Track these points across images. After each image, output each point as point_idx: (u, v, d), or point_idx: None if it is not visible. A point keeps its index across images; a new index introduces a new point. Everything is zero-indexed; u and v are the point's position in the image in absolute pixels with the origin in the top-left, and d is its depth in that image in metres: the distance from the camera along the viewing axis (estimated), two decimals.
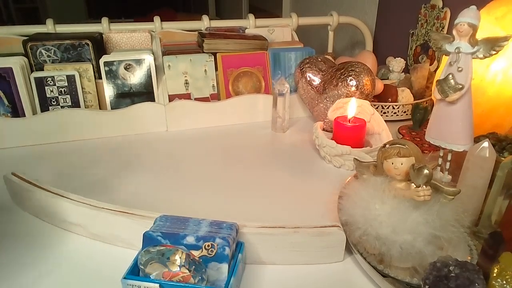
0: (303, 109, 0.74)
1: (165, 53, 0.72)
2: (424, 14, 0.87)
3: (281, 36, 0.88)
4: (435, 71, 0.78)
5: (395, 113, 0.72)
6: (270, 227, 0.37)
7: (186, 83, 0.70)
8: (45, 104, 0.64)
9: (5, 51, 0.69)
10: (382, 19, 1.07)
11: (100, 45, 0.73)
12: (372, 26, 1.09)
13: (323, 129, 0.62)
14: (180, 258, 0.31)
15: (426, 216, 0.33)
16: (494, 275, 0.28)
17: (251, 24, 0.87)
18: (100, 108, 0.68)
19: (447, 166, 0.43)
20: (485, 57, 0.38)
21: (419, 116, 0.65)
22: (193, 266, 0.31)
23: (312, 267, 0.37)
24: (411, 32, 0.92)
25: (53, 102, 0.65)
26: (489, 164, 0.37)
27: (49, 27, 0.78)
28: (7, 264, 0.37)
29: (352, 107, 0.56)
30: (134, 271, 0.32)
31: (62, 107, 0.65)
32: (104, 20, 0.81)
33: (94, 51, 0.69)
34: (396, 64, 0.81)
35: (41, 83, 0.64)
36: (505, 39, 0.37)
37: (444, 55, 0.41)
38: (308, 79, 0.67)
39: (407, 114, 0.72)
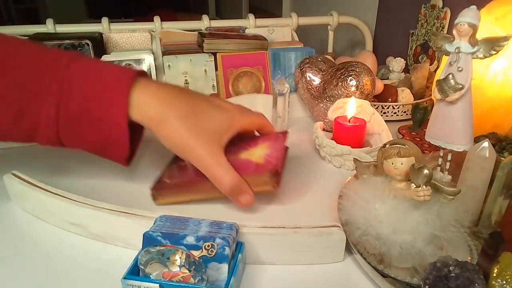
0: (303, 109, 0.74)
1: (165, 53, 0.72)
2: (424, 14, 0.87)
3: (281, 36, 0.88)
4: (435, 71, 0.78)
5: (395, 113, 0.72)
6: (270, 227, 0.37)
7: (186, 83, 0.71)
8: None
9: None
10: (382, 19, 1.07)
11: (100, 45, 0.73)
12: (372, 26, 1.09)
13: (323, 129, 0.62)
14: (180, 258, 0.31)
15: (426, 216, 0.33)
16: (494, 275, 0.28)
17: (251, 24, 0.87)
18: None
19: (447, 166, 0.43)
20: (485, 57, 0.38)
21: (419, 116, 0.65)
22: (193, 266, 0.31)
23: (312, 267, 0.37)
24: (411, 32, 0.92)
25: None
26: (489, 164, 0.37)
27: (49, 27, 0.78)
28: (7, 264, 0.37)
29: (351, 107, 0.56)
30: (134, 271, 0.32)
31: None
32: (104, 20, 0.81)
33: (94, 51, 0.69)
34: (396, 64, 0.81)
35: None
36: (505, 39, 0.37)
37: (444, 55, 0.41)
38: (308, 79, 0.67)
39: (407, 114, 0.72)
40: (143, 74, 0.41)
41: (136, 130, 0.41)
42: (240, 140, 0.49)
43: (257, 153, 0.45)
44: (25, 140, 0.39)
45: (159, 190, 0.44)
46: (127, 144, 0.40)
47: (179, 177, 0.43)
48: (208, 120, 0.40)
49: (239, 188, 0.40)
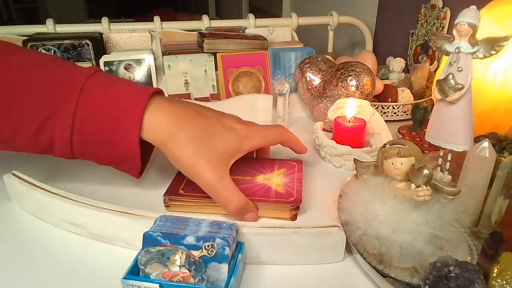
0: (303, 109, 0.74)
1: (165, 53, 0.72)
2: (424, 14, 0.87)
3: (281, 36, 0.88)
4: (435, 71, 0.78)
5: (395, 113, 0.72)
6: (270, 227, 0.37)
7: (186, 83, 0.71)
8: None
9: None
10: (382, 19, 1.07)
11: (100, 45, 0.73)
12: (372, 26, 1.09)
13: (323, 129, 0.62)
14: (180, 258, 0.31)
15: (426, 216, 0.33)
16: (494, 275, 0.28)
17: (251, 24, 0.87)
18: None
19: (447, 166, 0.43)
20: (485, 57, 0.38)
21: (419, 116, 0.65)
22: (193, 266, 0.31)
23: (312, 267, 0.37)
24: (411, 32, 0.92)
25: None
26: (489, 164, 0.37)
27: (49, 27, 0.78)
28: (7, 264, 0.37)
29: (351, 108, 0.56)
30: (134, 271, 0.32)
31: None
32: (104, 20, 0.81)
33: (94, 51, 0.69)
34: (396, 64, 0.81)
35: None
36: (505, 39, 0.37)
37: (444, 55, 0.41)
38: (308, 79, 0.67)
39: (407, 114, 0.72)
40: (157, 93, 0.42)
41: (147, 143, 0.42)
42: (255, 163, 0.50)
43: (275, 180, 0.46)
44: (41, 153, 0.41)
45: (173, 200, 0.44)
46: (139, 162, 0.41)
47: (193, 191, 0.43)
48: (217, 142, 0.41)
49: (244, 209, 0.41)
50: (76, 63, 0.68)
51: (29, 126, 0.39)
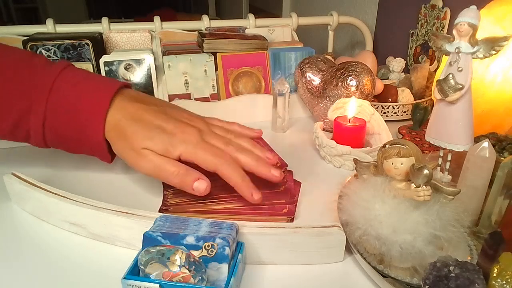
0: (303, 109, 0.74)
1: (165, 53, 0.72)
2: (424, 14, 0.87)
3: (281, 36, 0.88)
4: (435, 71, 0.78)
5: (395, 113, 0.72)
6: (270, 227, 0.37)
7: (186, 83, 0.70)
8: None
9: None
10: (382, 19, 1.07)
11: (100, 45, 0.73)
12: (372, 26, 1.09)
13: (323, 129, 0.62)
14: (180, 258, 0.31)
15: (426, 216, 0.33)
16: (494, 275, 0.28)
17: (251, 24, 0.87)
18: None
19: (447, 166, 0.43)
20: (485, 57, 0.38)
21: (419, 116, 0.65)
22: (193, 266, 0.31)
23: (312, 267, 0.37)
24: (411, 32, 0.92)
25: None
26: (489, 164, 0.37)
27: (49, 27, 0.78)
28: (7, 264, 0.37)
29: (352, 107, 0.56)
30: (134, 271, 0.32)
31: None
32: (104, 20, 0.81)
33: (94, 51, 0.69)
34: (396, 64, 0.81)
35: None
36: (505, 39, 0.37)
37: (444, 55, 0.41)
38: (308, 79, 0.67)
39: (407, 114, 0.72)
40: (125, 86, 0.46)
41: None
42: None
43: None
44: (21, 142, 0.46)
45: (177, 194, 0.44)
46: (107, 153, 0.45)
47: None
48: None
49: (187, 174, 0.41)
50: (76, 63, 0.68)
51: (5, 121, 0.43)
